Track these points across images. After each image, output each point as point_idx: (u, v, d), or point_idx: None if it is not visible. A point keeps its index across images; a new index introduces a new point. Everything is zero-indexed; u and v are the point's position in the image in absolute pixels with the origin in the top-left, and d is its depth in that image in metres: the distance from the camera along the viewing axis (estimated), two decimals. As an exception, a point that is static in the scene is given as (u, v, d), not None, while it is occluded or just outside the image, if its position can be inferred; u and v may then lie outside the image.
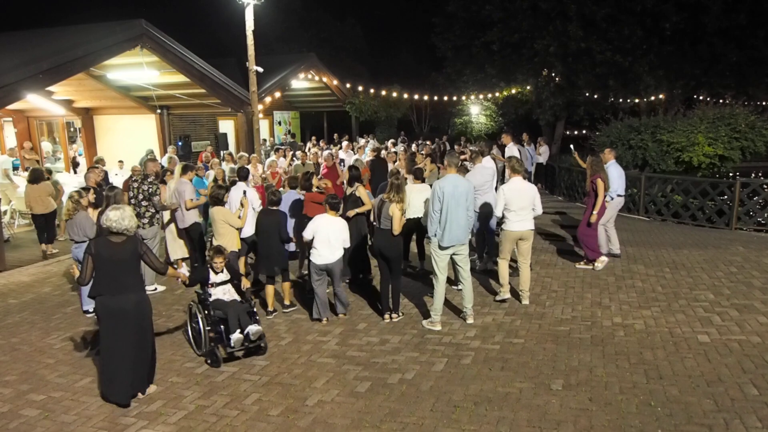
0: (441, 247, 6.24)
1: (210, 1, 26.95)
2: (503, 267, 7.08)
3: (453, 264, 6.47)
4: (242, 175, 8.29)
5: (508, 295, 7.10)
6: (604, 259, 8.36)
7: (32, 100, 14.02)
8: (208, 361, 5.60)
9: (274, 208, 6.97)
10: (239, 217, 7.22)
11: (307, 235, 6.44)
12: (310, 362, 5.59)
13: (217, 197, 7.08)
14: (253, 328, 5.59)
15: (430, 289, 6.69)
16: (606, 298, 7.11)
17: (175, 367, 5.56)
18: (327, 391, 4.98)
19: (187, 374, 5.40)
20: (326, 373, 5.32)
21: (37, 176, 10.13)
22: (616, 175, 8.77)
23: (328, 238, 6.36)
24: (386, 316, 6.66)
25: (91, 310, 7.09)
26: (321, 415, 4.56)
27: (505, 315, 6.68)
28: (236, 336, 5.50)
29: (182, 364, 5.64)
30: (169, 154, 13.48)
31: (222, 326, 5.62)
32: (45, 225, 10.20)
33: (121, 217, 4.76)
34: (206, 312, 5.73)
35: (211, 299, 5.82)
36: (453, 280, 7.21)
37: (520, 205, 6.80)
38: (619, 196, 8.85)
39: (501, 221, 7.09)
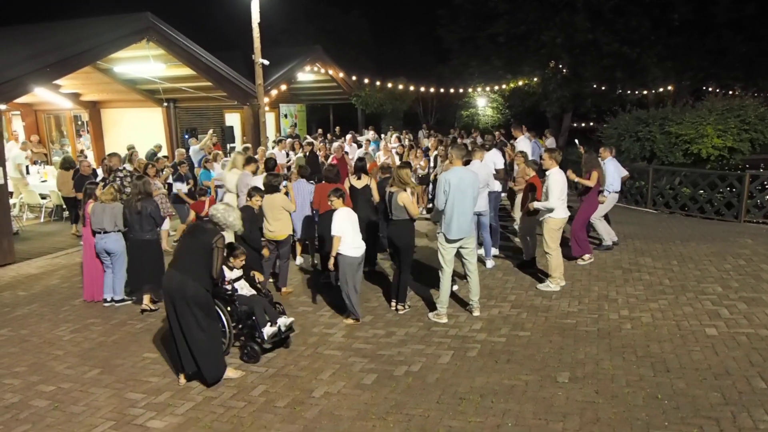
0: (448, 240, 6.23)
1: (215, -6, 26.92)
2: (558, 257, 7.23)
3: (460, 257, 6.47)
4: (269, 165, 8.83)
5: (559, 287, 7.19)
6: (588, 256, 8.38)
7: (40, 94, 14.08)
8: (245, 358, 5.47)
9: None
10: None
11: (338, 231, 6.11)
12: (316, 354, 5.61)
13: (274, 185, 7.24)
14: (283, 320, 5.61)
15: (436, 281, 6.69)
16: (613, 291, 7.09)
17: (183, 359, 5.59)
18: (333, 383, 5.00)
19: (195, 366, 5.43)
20: (332, 365, 5.34)
21: (69, 163, 11.33)
22: (612, 170, 8.83)
23: (356, 228, 6.29)
24: (392, 303, 6.71)
25: (108, 299, 7.16)
26: (327, 407, 4.58)
27: (511, 308, 6.68)
28: (269, 329, 5.47)
29: (190, 355, 5.67)
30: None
31: (249, 321, 5.57)
32: (75, 206, 10.66)
33: (225, 209, 5.07)
34: (229, 309, 5.56)
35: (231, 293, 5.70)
36: (460, 273, 7.21)
37: (566, 192, 7.16)
38: (615, 192, 8.89)
39: (541, 212, 7.30)
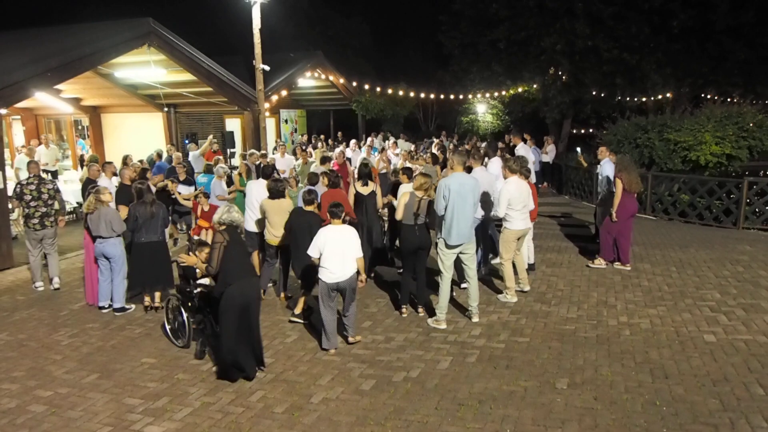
0: (448, 246, 6.24)
1: (217, 0, 27.00)
2: (509, 268, 7.08)
3: (459, 262, 6.47)
4: (267, 173, 8.24)
5: (515, 298, 7.08)
6: (603, 262, 8.36)
7: (40, 98, 14.11)
8: (198, 356, 5.70)
9: (309, 208, 6.73)
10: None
11: (313, 252, 5.66)
12: (315, 360, 5.61)
13: (280, 189, 7.16)
14: None
15: (435, 287, 6.70)
16: (612, 297, 7.09)
17: (181, 364, 5.60)
18: (332, 388, 4.99)
19: (193, 371, 5.43)
20: (331, 371, 5.34)
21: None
22: (609, 171, 8.80)
23: (342, 251, 5.59)
24: (404, 309, 6.72)
25: (106, 306, 7.16)
26: (326, 413, 4.58)
27: (510, 313, 6.68)
28: None
29: (188, 360, 5.67)
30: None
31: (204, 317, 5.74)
32: None
33: (239, 213, 5.44)
34: (189, 304, 5.86)
35: (195, 291, 5.85)
36: (458, 279, 7.21)
37: (522, 203, 6.92)
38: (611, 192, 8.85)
39: (500, 221, 7.14)
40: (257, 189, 7.73)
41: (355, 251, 5.67)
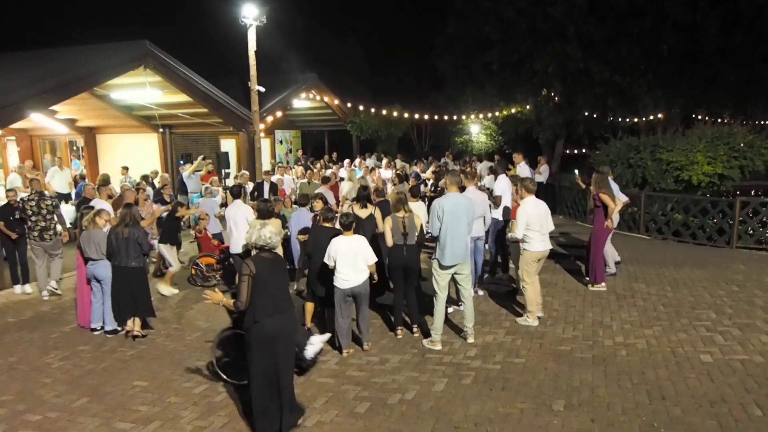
0: (442, 266, 6.23)
1: (213, 21, 27.31)
2: (531, 291, 6.93)
3: (454, 283, 6.45)
4: (234, 192, 8.30)
5: (537, 322, 6.96)
6: (604, 285, 8.34)
7: (36, 119, 14.13)
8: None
9: (329, 225, 6.69)
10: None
11: (328, 260, 6.04)
12: (309, 381, 5.54)
13: (269, 209, 7.16)
14: (319, 337, 5.52)
15: (429, 308, 6.66)
16: (607, 317, 7.07)
17: (174, 387, 5.52)
18: (326, 411, 4.93)
19: (186, 394, 5.35)
20: (325, 393, 5.27)
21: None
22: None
23: (355, 258, 5.99)
24: (398, 330, 6.69)
25: (98, 327, 7.08)
26: (320, 436, 4.51)
27: (506, 334, 6.64)
28: (312, 348, 5.32)
29: (180, 383, 5.60)
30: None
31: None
32: None
33: (273, 232, 4.55)
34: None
35: None
36: (453, 299, 7.18)
37: (540, 223, 6.83)
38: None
39: (518, 242, 7.04)
40: (235, 210, 7.79)
41: (366, 258, 6.05)
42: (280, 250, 5.12)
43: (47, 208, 8.61)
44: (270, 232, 4.53)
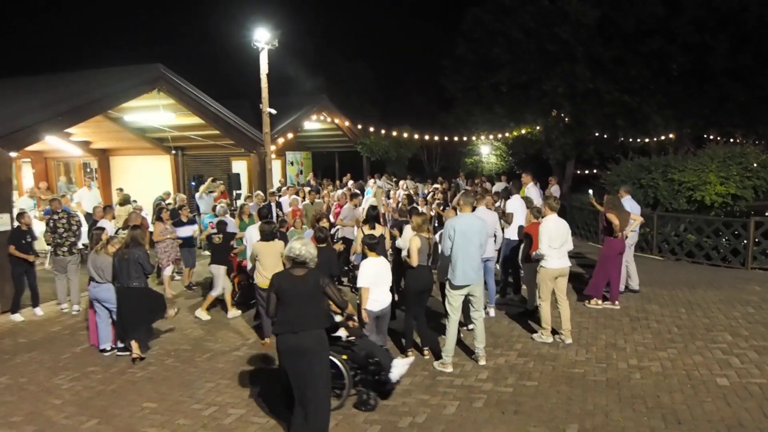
0: (454, 287, 6.18)
1: (225, 45, 27.81)
2: (546, 309, 7.00)
3: (467, 303, 6.41)
4: (263, 213, 8.40)
5: (551, 339, 6.99)
6: (598, 302, 8.31)
7: (50, 142, 14.37)
8: (360, 407, 5.27)
9: (323, 245, 6.72)
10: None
11: (366, 283, 5.91)
12: (318, 404, 5.48)
13: (273, 231, 7.11)
14: (402, 360, 5.52)
15: (441, 329, 6.61)
16: (621, 339, 6.97)
17: (183, 409, 5.49)
18: (336, 434, 4.87)
19: (195, 416, 5.32)
20: (335, 417, 5.20)
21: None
22: (628, 208, 8.78)
23: (385, 280, 6.11)
24: (409, 352, 6.63)
25: (108, 348, 7.10)
26: (329, 460, 4.45)
27: (518, 356, 6.56)
28: (397, 370, 5.34)
29: (189, 405, 5.57)
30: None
31: (372, 366, 5.34)
32: None
33: (304, 244, 4.57)
34: (344, 356, 5.29)
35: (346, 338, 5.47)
36: (464, 321, 7.12)
37: (561, 241, 6.89)
38: (632, 231, 8.85)
39: (536, 260, 7.10)
40: (253, 232, 7.75)
41: (390, 280, 6.24)
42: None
43: (76, 224, 9.13)
44: (301, 244, 4.55)
